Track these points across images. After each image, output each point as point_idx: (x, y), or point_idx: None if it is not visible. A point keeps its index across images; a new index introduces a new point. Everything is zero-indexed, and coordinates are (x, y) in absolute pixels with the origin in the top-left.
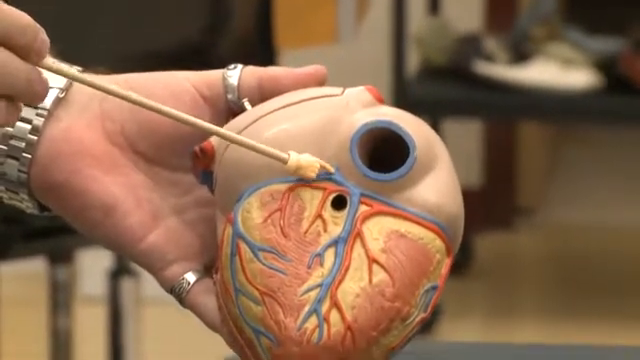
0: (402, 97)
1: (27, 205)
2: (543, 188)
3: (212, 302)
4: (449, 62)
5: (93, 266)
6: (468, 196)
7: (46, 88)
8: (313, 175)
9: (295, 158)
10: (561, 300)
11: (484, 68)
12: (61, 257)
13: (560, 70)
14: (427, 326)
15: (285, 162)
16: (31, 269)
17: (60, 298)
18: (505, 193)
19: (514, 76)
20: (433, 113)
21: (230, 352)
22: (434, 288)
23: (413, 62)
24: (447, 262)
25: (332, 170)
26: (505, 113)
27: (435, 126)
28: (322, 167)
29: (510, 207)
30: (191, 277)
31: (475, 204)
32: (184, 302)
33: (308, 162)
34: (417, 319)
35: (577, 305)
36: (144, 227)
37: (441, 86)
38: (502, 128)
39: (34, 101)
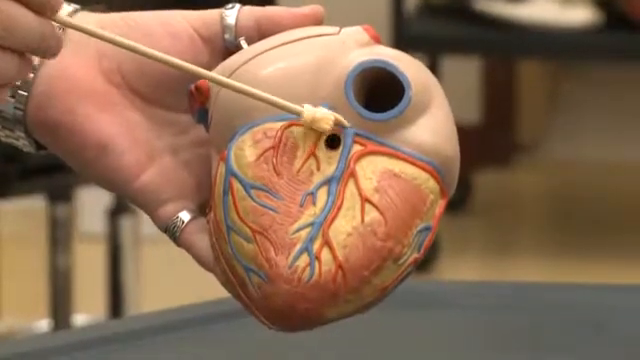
0: (401, 34)
1: (23, 143)
2: (542, 125)
3: (206, 241)
4: None
5: (92, 204)
6: (467, 133)
7: (60, 43)
8: (328, 127)
9: (311, 111)
10: (560, 237)
11: (484, 5)
12: (61, 195)
13: (560, 7)
14: (425, 264)
15: (300, 115)
16: (31, 207)
17: (60, 236)
18: (504, 130)
19: (514, 13)
20: (432, 50)
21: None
22: (427, 229)
23: None
24: (441, 203)
25: (347, 124)
26: (505, 50)
27: (434, 63)
28: (337, 120)
29: (509, 144)
30: (185, 216)
31: (474, 141)
32: (178, 241)
33: (323, 115)
34: (410, 259)
35: (576, 242)
36: (139, 166)
37: (441, 23)
38: (502, 65)
39: (47, 56)
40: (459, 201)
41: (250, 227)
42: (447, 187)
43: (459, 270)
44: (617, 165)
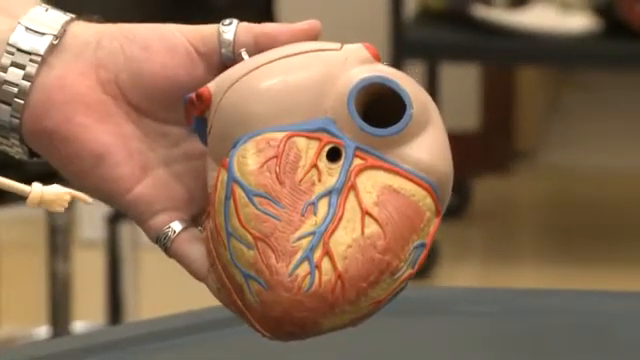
0: (400, 41)
1: (17, 150)
2: (541, 132)
3: (198, 251)
4: (447, 6)
5: (92, 211)
6: (466, 140)
7: None
8: (61, 209)
9: (38, 189)
10: (559, 244)
11: (482, 12)
12: None
13: (559, 14)
14: (425, 271)
15: (26, 195)
16: (30, 214)
17: (59, 242)
18: (503, 137)
19: (513, 20)
20: (431, 57)
21: None
22: (422, 245)
23: (411, 5)
24: (436, 222)
25: (89, 201)
26: (503, 57)
27: (433, 70)
28: (75, 196)
29: (508, 151)
30: (177, 226)
31: (473, 148)
32: (169, 251)
33: (56, 194)
34: (405, 274)
35: (575, 249)
36: (133, 177)
37: (439, 30)
38: (500, 72)
39: None
40: (458, 208)
41: (252, 234)
42: (441, 206)
43: (458, 277)
44: (616, 172)
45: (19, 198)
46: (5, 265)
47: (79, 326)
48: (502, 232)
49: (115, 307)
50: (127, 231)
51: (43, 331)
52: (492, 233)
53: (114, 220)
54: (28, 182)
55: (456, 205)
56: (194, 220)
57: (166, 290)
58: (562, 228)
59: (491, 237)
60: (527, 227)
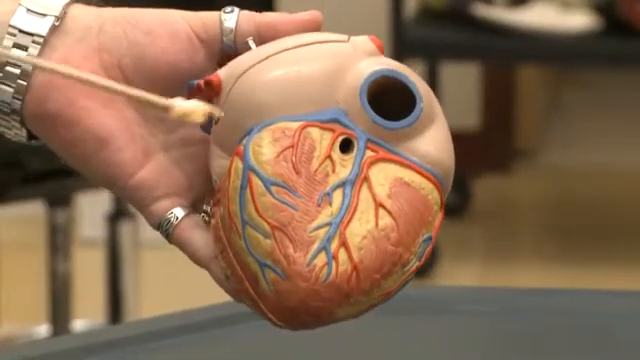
0: (400, 39)
1: (16, 133)
2: (541, 131)
3: (200, 237)
4: (448, 4)
5: (92, 209)
6: (467, 139)
7: None
8: (202, 120)
9: (182, 104)
10: (559, 243)
11: (483, 11)
12: (60, 200)
13: (559, 13)
14: (425, 270)
15: (170, 109)
16: (30, 213)
17: (59, 241)
18: (503, 136)
19: (513, 19)
20: (431, 56)
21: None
22: (430, 239)
23: (411, 4)
24: (440, 215)
25: (218, 113)
26: (504, 56)
27: (433, 69)
28: (207, 111)
29: (508, 150)
30: (179, 212)
31: (474, 147)
32: (171, 237)
33: (195, 107)
34: (413, 267)
35: (575, 248)
36: (136, 162)
37: (439, 28)
38: (501, 71)
39: None
40: (459, 207)
41: (269, 223)
42: (444, 199)
43: (459, 276)
44: (616, 172)
45: (19, 197)
46: (5, 265)
47: (79, 325)
48: (502, 232)
49: (115, 306)
50: (127, 230)
51: (43, 330)
52: (492, 232)
53: (114, 219)
54: (29, 180)
55: (456, 204)
56: (194, 206)
57: (166, 289)
58: (562, 228)
59: (491, 236)
60: (527, 227)
